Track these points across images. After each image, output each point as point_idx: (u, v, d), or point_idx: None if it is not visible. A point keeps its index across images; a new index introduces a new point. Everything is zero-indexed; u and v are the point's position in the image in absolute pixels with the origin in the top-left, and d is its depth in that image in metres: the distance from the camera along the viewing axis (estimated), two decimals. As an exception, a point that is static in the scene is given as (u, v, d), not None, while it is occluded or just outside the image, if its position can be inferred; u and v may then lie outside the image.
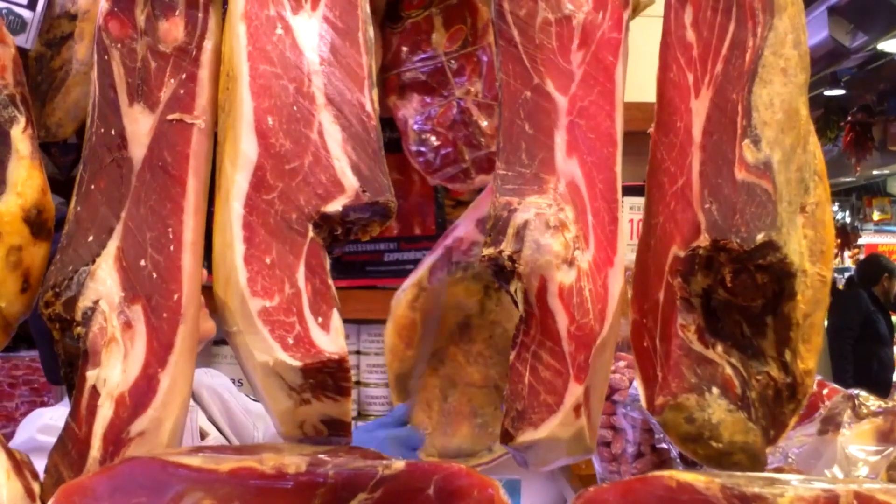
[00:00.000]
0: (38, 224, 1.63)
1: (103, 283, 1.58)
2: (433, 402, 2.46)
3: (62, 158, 3.31)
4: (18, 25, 2.55)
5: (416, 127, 2.96)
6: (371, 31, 1.67)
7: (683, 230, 1.58)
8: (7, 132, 1.63)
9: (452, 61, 2.92)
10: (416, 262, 3.85)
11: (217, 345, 3.49)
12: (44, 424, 2.41)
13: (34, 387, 4.04)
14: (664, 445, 2.43)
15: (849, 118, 12.12)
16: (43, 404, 4.00)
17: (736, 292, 1.56)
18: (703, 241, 1.54)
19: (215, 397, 2.83)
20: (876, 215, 17.57)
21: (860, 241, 17.34)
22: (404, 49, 3.01)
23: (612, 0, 1.66)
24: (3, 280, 1.61)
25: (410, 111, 2.98)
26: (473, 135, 2.88)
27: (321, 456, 1.38)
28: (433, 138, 2.93)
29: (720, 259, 1.55)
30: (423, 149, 2.96)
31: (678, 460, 2.43)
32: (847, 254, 17.27)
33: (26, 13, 2.52)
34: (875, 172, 14.69)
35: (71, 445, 1.54)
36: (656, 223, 1.63)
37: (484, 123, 2.86)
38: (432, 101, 2.96)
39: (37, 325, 2.51)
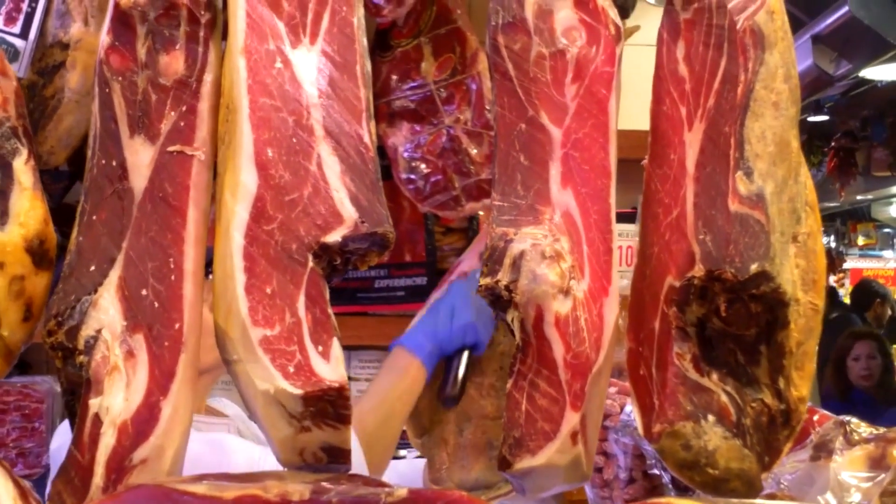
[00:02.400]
0: (41, 254, 1.65)
1: (105, 312, 1.59)
2: (449, 437, 2.47)
3: (54, 185, 3.31)
4: (11, 54, 2.56)
5: (405, 155, 2.98)
6: (369, 65, 1.70)
7: (678, 260, 1.61)
8: (9, 164, 1.65)
9: (442, 90, 2.94)
10: (406, 289, 3.88)
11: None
12: None
13: (25, 413, 4.02)
14: (656, 471, 2.45)
15: (833, 144, 12.18)
16: (34, 430, 4.00)
17: (730, 321, 1.59)
18: (698, 271, 1.57)
19: (231, 427, 2.83)
20: (860, 240, 17.65)
21: (845, 266, 17.39)
22: (394, 77, 3.02)
23: (604, 35, 1.69)
24: (6, 309, 1.62)
25: (400, 139, 3.00)
26: (463, 162, 2.89)
27: (324, 483, 1.40)
28: (423, 166, 2.95)
29: (715, 289, 1.58)
30: (413, 176, 2.98)
31: (670, 486, 2.45)
32: (832, 278, 17.32)
33: (19, 42, 2.54)
34: (859, 198, 14.74)
35: (74, 473, 1.55)
36: (651, 253, 1.66)
37: (473, 151, 2.88)
38: (422, 129, 2.97)
39: None
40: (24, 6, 2.43)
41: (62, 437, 2.70)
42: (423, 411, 2.49)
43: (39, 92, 2.68)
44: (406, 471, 2.86)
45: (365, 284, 3.89)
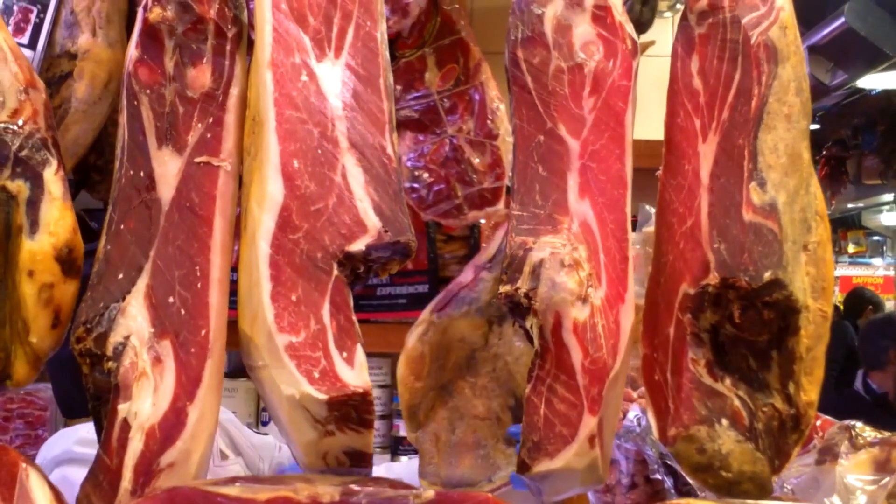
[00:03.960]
0: (69, 262, 1.68)
1: (133, 319, 1.62)
2: (441, 434, 2.49)
3: (60, 194, 3.35)
4: (20, 64, 2.59)
5: (409, 164, 3.00)
6: (391, 78, 1.73)
7: (693, 268, 1.64)
8: (40, 174, 1.68)
9: (445, 100, 2.97)
10: (408, 297, 3.91)
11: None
12: (81, 437, 2.50)
13: (29, 420, 4.05)
14: (658, 476, 2.48)
15: (823, 152, 12.20)
16: (38, 438, 4.02)
17: (743, 328, 1.63)
18: (713, 279, 1.61)
19: (223, 432, 2.88)
20: (851, 248, 17.66)
21: (835, 273, 17.38)
22: (398, 88, 3.05)
23: (622, 49, 1.73)
24: (36, 316, 1.65)
25: (403, 148, 3.02)
26: (466, 171, 2.93)
27: (352, 486, 1.43)
28: (426, 175, 2.98)
29: (729, 296, 1.61)
30: (416, 185, 3.01)
31: (672, 491, 2.48)
32: (822, 286, 17.29)
33: (27, 52, 2.56)
34: (850, 206, 14.77)
35: (102, 476, 1.58)
36: (666, 262, 1.69)
37: (476, 160, 2.91)
38: (425, 138, 3.00)
39: (54, 360, 2.57)
40: (33, 17, 2.46)
41: (42, 456, 2.74)
42: (419, 407, 2.53)
43: (47, 102, 2.70)
44: (402, 472, 2.90)
45: (367, 292, 3.91)
